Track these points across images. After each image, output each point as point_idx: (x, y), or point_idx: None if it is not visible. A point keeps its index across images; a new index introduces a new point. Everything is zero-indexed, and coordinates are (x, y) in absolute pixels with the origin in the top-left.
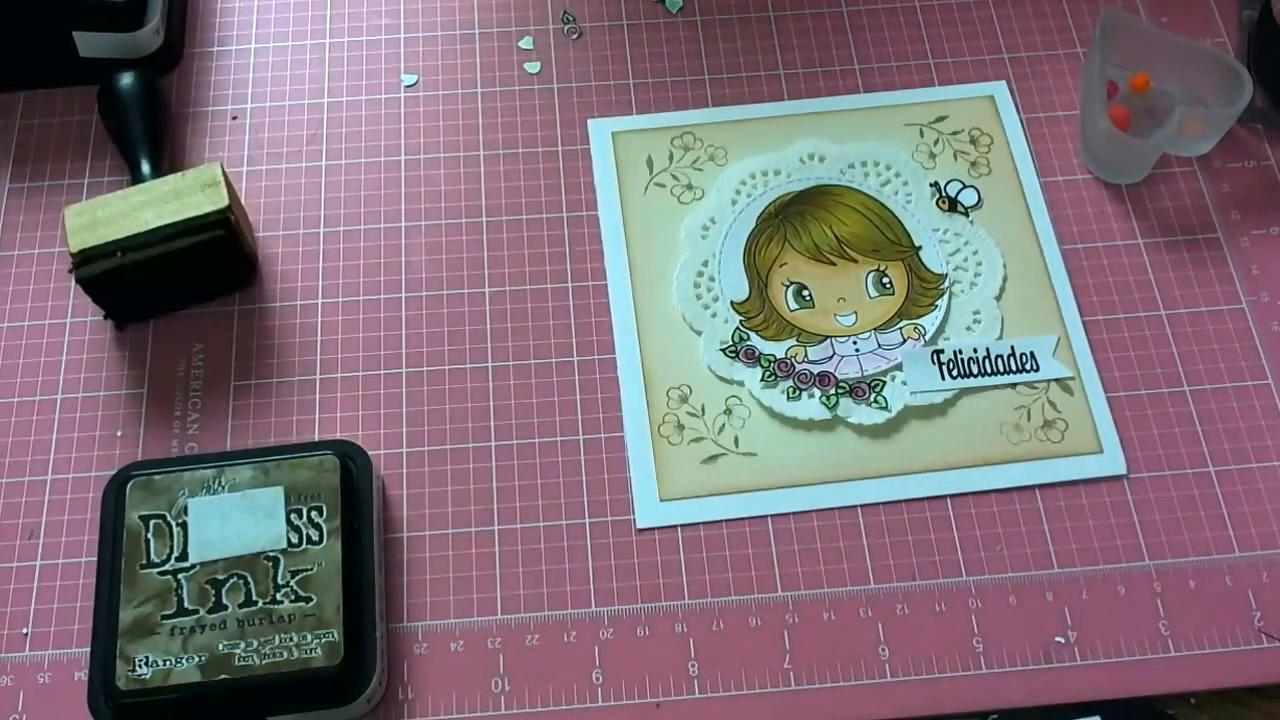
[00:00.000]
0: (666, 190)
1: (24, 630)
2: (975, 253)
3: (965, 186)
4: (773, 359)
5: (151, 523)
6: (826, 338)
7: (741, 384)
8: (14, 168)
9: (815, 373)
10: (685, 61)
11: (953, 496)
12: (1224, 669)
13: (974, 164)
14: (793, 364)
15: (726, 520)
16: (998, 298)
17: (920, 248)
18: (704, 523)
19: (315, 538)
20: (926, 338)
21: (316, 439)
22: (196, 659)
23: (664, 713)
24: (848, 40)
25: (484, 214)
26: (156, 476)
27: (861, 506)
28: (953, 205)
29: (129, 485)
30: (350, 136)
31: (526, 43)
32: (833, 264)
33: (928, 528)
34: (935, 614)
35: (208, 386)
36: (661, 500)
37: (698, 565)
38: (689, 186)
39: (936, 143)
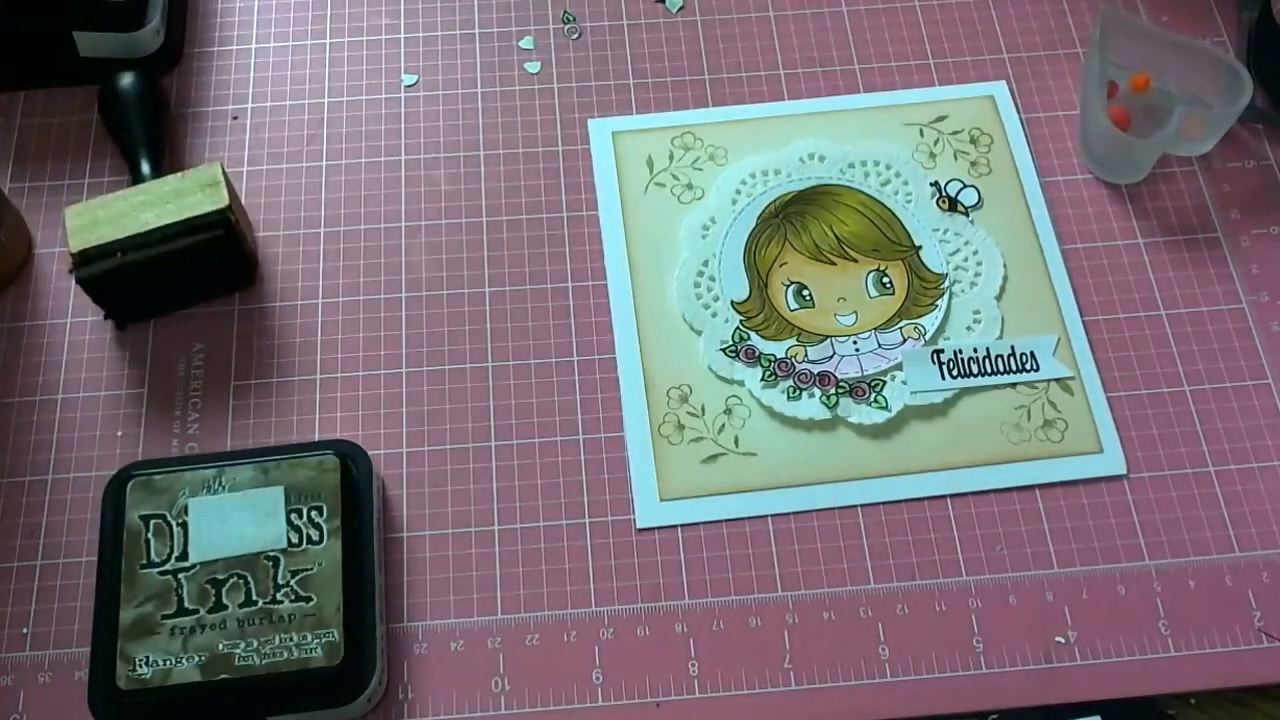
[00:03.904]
0: (666, 190)
1: (24, 630)
2: (975, 252)
3: (965, 186)
4: (773, 359)
5: (152, 522)
6: (826, 337)
7: (741, 384)
8: (14, 168)
9: (815, 372)
10: (685, 61)
11: (953, 496)
12: (1224, 669)
13: (974, 164)
14: (793, 364)
15: (726, 520)
16: (998, 298)
17: (920, 247)
18: (704, 523)
19: (315, 537)
20: (926, 337)
21: (316, 439)
22: (196, 659)
23: (664, 713)
24: (848, 40)
25: (484, 214)
26: (156, 476)
27: (861, 506)
28: (953, 205)
29: (129, 485)
30: (350, 136)
31: (527, 43)
32: (833, 264)
33: (928, 528)
34: (935, 614)
35: (208, 386)
36: (661, 500)
37: (698, 565)
38: (689, 186)
39: (936, 142)
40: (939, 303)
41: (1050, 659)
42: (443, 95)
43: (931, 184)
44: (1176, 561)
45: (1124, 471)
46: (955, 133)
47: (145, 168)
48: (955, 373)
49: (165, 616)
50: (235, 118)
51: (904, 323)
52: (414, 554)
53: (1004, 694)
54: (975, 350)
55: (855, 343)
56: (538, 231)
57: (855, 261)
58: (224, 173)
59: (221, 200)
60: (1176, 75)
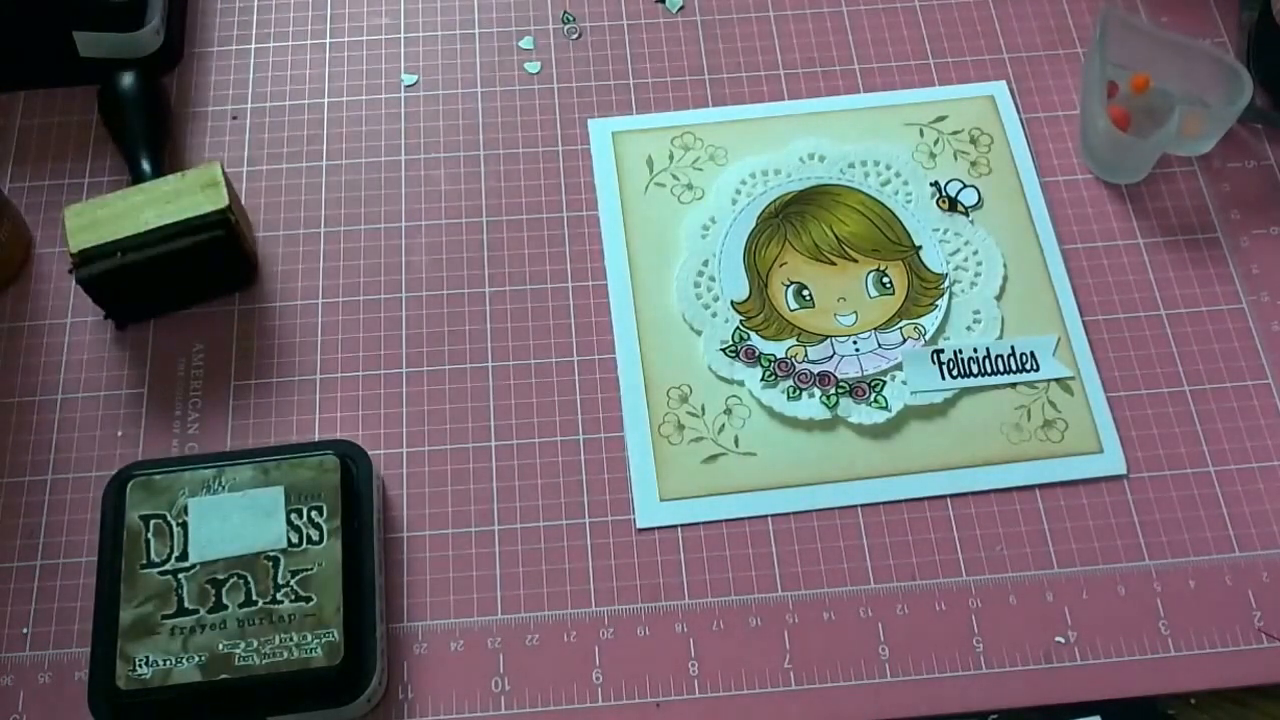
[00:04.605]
0: (666, 190)
1: (24, 630)
2: (975, 252)
3: (965, 186)
4: (773, 359)
5: (152, 523)
6: (826, 337)
7: (741, 384)
8: (14, 168)
9: (815, 372)
10: (685, 61)
11: (953, 496)
12: (1224, 669)
13: (974, 164)
14: (793, 364)
15: (726, 520)
16: (998, 298)
17: (920, 247)
18: (704, 523)
19: (315, 538)
20: (926, 337)
21: (316, 439)
22: (196, 659)
23: (664, 713)
24: (848, 40)
25: (484, 214)
26: (157, 476)
27: (861, 506)
28: (953, 205)
29: (129, 485)
30: (350, 136)
31: (527, 43)
32: (833, 264)
33: (928, 528)
34: (935, 614)
35: (208, 386)
36: (661, 500)
37: (698, 565)
38: (689, 186)
39: (936, 142)
40: (939, 303)
41: (1050, 659)
42: (443, 95)
43: (931, 184)
44: (1176, 561)
45: (1124, 471)
46: (955, 133)
47: (145, 168)
48: (955, 373)
49: (165, 616)
50: (235, 118)
51: (904, 323)
52: (414, 554)
53: (1004, 694)
54: (975, 350)
55: (855, 343)
56: (538, 231)
57: (855, 261)
58: (224, 173)
59: (221, 200)
60: (1176, 75)
